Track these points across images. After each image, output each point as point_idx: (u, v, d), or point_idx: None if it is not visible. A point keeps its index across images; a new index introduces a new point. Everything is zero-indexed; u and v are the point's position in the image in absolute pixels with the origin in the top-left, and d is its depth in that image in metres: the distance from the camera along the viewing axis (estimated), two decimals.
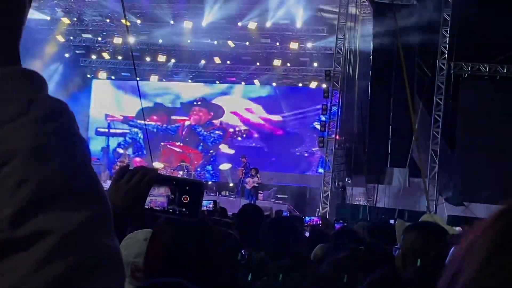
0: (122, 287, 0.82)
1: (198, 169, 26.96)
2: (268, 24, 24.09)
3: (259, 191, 23.26)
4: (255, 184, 21.89)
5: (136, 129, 28.68)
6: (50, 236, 0.76)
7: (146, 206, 1.72)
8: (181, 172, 23.83)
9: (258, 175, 22.22)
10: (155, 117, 28.51)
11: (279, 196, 23.88)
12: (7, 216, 0.76)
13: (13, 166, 0.78)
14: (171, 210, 1.72)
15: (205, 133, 28.37)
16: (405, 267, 3.05)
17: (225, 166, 27.46)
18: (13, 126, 0.79)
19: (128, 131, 28.81)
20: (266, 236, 4.20)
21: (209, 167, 27.97)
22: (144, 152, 27.88)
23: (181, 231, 2.14)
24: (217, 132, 28.36)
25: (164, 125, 28.54)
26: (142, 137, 28.54)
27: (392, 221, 10.76)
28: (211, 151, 28.10)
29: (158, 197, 1.73)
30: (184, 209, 1.72)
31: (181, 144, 28.44)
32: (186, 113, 28.72)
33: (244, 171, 23.54)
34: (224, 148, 28.09)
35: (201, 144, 28.32)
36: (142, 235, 2.26)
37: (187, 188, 1.72)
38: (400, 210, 17.76)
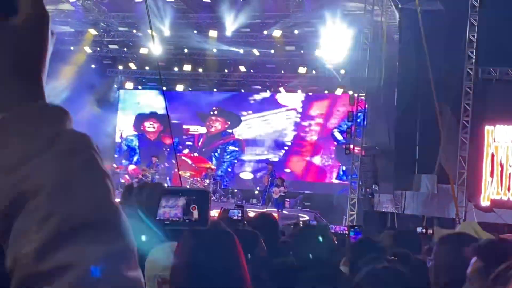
0: None
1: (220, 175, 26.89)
2: (292, 32, 24.08)
3: (286, 199, 23.24)
4: (282, 193, 21.90)
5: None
6: (73, 270, 0.78)
7: (158, 218, 1.74)
8: (207, 181, 23.88)
9: (284, 184, 22.22)
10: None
11: (305, 203, 23.78)
12: (32, 250, 0.78)
13: (38, 201, 0.80)
14: (181, 220, 1.74)
15: (220, 147, 28.28)
16: (438, 279, 3.01)
17: (246, 176, 27.40)
18: (38, 161, 0.81)
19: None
20: (295, 245, 4.18)
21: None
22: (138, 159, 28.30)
23: (205, 242, 2.15)
24: (231, 147, 28.23)
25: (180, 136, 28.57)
26: (137, 144, 28.72)
27: (419, 229, 10.66)
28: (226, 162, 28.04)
29: (169, 208, 1.75)
30: (193, 218, 1.74)
31: (197, 155, 28.41)
32: (203, 123, 28.74)
33: (269, 178, 23.55)
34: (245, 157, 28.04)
35: (216, 154, 28.24)
36: (169, 248, 2.27)
37: (193, 197, 1.74)
38: (429, 217, 17.59)
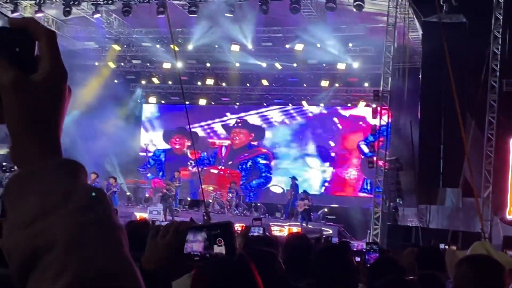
0: None
1: (243, 190, 26.82)
2: (315, 46, 24.10)
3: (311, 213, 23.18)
4: (306, 207, 21.85)
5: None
6: None
7: (185, 253, 1.76)
8: (230, 195, 23.89)
9: (309, 197, 22.17)
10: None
11: (329, 217, 23.66)
12: None
13: (54, 256, 0.83)
14: (209, 255, 1.76)
15: (250, 160, 28.25)
16: None
17: (277, 189, 27.30)
18: (53, 217, 0.85)
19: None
20: (314, 267, 4.15)
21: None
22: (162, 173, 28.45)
23: (221, 271, 2.15)
24: (262, 160, 28.18)
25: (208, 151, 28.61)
26: (164, 159, 28.90)
27: (442, 246, 10.55)
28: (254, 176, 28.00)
29: (195, 244, 1.77)
30: (221, 251, 1.76)
31: (222, 167, 28.42)
32: (228, 135, 28.78)
33: (292, 192, 23.53)
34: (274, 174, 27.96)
35: (245, 167, 28.21)
36: (188, 280, 2.27)
37: (218, 231, 1.76)
38: (454, 232, 17.41)
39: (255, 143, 28.49)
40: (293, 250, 4.93)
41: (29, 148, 0.91)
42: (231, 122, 28.78)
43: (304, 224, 21.54)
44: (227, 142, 28.81)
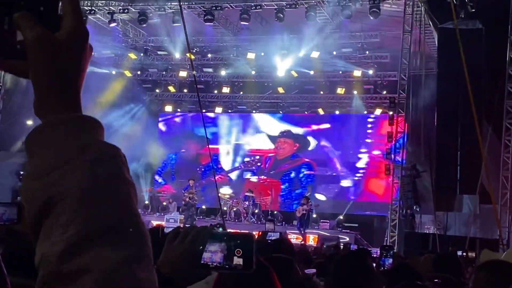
0: None
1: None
2: (331, 53, 24.11)
3: (324, 221, 23.06)
4: (304, 212, 21.67)
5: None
6: (91, 275, 0.85)
7: (202, 262, 1.74)
8: (246, 203, 23.89)
9: (309, 202, 22.03)
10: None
11: (346, 225, 23.58)
12: (56, 251, 0.87)
13: (65, 206, 0.89)
14: (226, 266, 1.74)
15: (293, 170, 28.12)
16: None
17: (320, 197, 26.90)
18: (68, 168, 0.90)
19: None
20: (336, 274, 4.14)
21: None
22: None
23: (242, 278, 2.15)
24: (306, 171, 28.03)
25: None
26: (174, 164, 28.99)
27: (459, 253, 10.45)
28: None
29: (213, 253, 1.76)
30: (238, 263, 1.74)
31: (264, 177, 28.34)
32: (272, 144, 28.67)
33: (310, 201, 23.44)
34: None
35: (286, 178, 28.05)
36: (205, 286, 2.27)
37: (238, 241, 1.75)
38: (471, 238, 17.28)
39: (299, 153, 28.25)
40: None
41: (50, 102, 0.96)
42: (276, 132, 28.62)
43: (302, 230, 21.36)
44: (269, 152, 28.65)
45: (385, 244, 20.28)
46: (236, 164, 28.60)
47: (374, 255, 9.78)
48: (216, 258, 1.76)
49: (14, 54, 0.96)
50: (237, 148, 28.76)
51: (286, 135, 28.44)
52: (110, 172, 0.92)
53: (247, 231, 1.90)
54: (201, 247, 1.75)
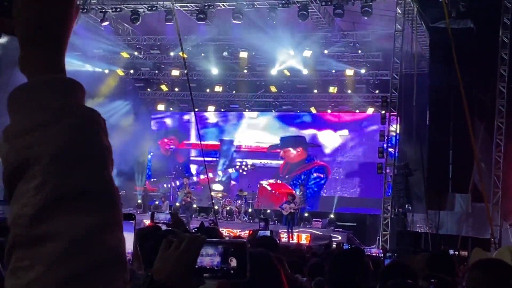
0: (125, 282, 0.91)
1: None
2: (324, 52, 24.13)
3: (316, 219, 23.08)
4: (292, 210, 21.67)
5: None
6: (59, 240, 0.86)
7: (197, 267, 1.75)
8: (239, 201, 23.88)
9: (295, 201, 22.01)
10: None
11: (338, 223, 23.60)
12: (27, 214, 0.87)
13: (37, 169, 0.88)
14: (219, 274, 1.75)
15: (305, 172, 27.90)
16: None
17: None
18: (43, 131, 0.89)
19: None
20: (332, 271, 4.15)
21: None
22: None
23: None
24: (316, 173, 27.72)
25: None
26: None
27: (452, 252, 10.51)
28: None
29: (205, 257, 1.76)
30: (232, 271, 1.75)
31: (280, 182, 28.16)
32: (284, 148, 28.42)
33: (301, 199, 23.38)
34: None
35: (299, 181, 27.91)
36: None
37: (231, 249, 1.75)
38: (464, 237, 17.37)
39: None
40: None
41: (35, 60, 0.96)
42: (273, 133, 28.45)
43: (290, 229, 21.31)
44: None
45: (377, 242, 20.36)
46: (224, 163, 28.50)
47: (368, 253, 9.82)
48: (210, 264, 1.76)
49: (1, 10, 0.97)
50: (227, 145, 28.72)
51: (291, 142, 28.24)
52: (87, 137, 0.92)
53: (241, 240, 1.90)
54: (195, 254, 1.75)
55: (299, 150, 28.02)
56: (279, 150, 28.14)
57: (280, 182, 27.93)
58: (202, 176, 27.13)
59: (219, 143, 28.70)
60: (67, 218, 0.86)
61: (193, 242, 1.77)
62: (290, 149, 28.06)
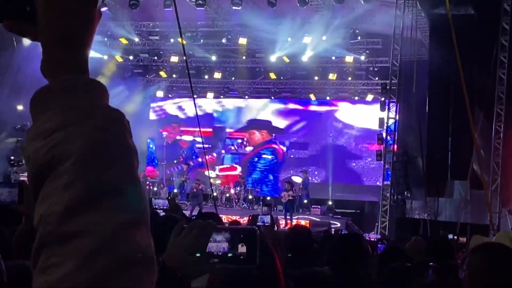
0: (153, 282, 0.91)
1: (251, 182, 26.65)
2: (323, 38, 24.05)
3: (315, 206, 23.10)
4: (290, 198, 21.68)
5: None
6: (88, 237, 0.86)
7: (207, 251, 1.75)
8: (238, 188, 23.89)
9: (294, 188, 22.02)
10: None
11: (337, 210, 23.63)
12: (56, 212, 0.87)
13: (67, 167, 0.89)
14: (228, 260, 1.74)
15: (257, 154, 28.18)
16: None
17: (297, 179, 26.88)
18: (72, 130, 0.91)
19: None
20: (332, 253, 4.14)
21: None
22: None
23: (235, 276, 2.13)
24: (266, 156, 28.04)
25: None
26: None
27: (451, 236, 10.53)
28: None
29: (214, 244, 1.76)
30: (242, 257, 1.74)
31: (226, 166, 28.38)
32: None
33: (301, 186, 23.36)
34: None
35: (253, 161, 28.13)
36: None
37: (241, 236, 1.75)
38: (462, 224, 17.39)
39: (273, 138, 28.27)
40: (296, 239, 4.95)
41: (58, 63, 0.97)
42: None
43: (289, 216, 21.36)
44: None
45: (376, 229, 20.39)
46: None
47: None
48: (219, 250, 1.77)
49: (23, 16, 0.98)
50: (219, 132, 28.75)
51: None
52: (114, 137, 0.93)
53: (251, 226, 1.90)
54: (205, 242, 1.75)
55: (263, 133, 28.15)
56: (244, 133, 28.29)
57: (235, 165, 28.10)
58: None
59: (211, 129, 28.68)
60: (96, 215, 0.87)
61: (204, 229, 1.77)
62: (256, 131, 28.17)
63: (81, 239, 0.86)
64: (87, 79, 0.97)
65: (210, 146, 27.93)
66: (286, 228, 19.75)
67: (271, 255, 2.22)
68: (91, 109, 0.93)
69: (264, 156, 28.06)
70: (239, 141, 28.57)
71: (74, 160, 0.89)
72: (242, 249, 1.74)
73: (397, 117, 21.42)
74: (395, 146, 21.24)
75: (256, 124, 28.40)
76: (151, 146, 29.33)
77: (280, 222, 20.60)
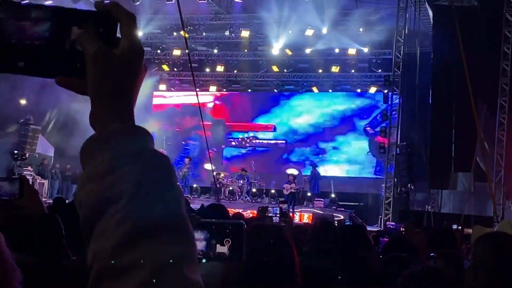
0: None
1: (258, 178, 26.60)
2: (325, 31, 24.01)
3: (318, 199, 23.07)
4: (292, 190, 21.68)
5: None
6: (142, 270, 0.91)
7: None
8: (241, 181, 23.87)
9: (296, 181, 22.02)
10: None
11: (340, 203, 23.61)
12: (109, 247, 0.93)
13: (120, 205, 0.95)
14: (212, 255, 1.71)
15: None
16: (476, 281, 2.96)
17: (292, 171, 26.92)
18: (123, 172, 0.97)
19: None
20: (336, 244, 4.13)
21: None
22: None
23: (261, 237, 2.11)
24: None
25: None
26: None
27: (454, 226, 10.50)
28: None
29: (200, 241, 1.72)
30: (226, 253, 1.71)
31: None
32: None
33: (311, 180, 23.35)
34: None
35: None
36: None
37: (227, 231, 1.72)
38: (466, 216, 17.37)
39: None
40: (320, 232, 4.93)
41: (106, 113, 1.03)
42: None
43: (291, 209, 21.33)
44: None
45: (379, 221, 20.36)
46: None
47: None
48: (202, 246, 1.72)
49: (74, 72, 1.04)
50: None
51: None
52: (162, 178, 0.99)
53: (238, 221, 1.86)
54: None
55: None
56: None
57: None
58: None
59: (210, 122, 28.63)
60: (148, 249, 0.92)
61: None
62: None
63: (134, 271, 0.91)
64: (133, 126, 1.04)
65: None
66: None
67: (291, 251, 2.19)
68: (139, 153, 1.00)
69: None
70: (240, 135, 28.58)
71: (125, 200, 0.95)
72: (222, 248, 1.71)
73: (400, 110, 21.36)
74: (399, 138, 21.21)
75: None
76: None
77: None
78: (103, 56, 1.03)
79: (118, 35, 1.07)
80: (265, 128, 28.37)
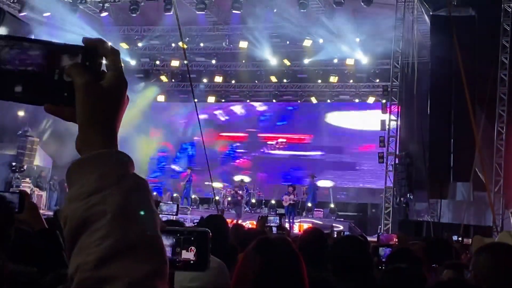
0: None
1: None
2: (322, 41, 24.06)
3: (317, 209, 23.03)
4: (291, 202, 21.64)
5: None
6: (120, 281, 1.01)
7: None
8: (240, 192, 23.83)
9: (295, 192, 21.98)
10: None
11: (340, 213, 23.59)
12: (92, 260, 1.03)
13: (103, 223, 1.05)
14: (177, 264, 1.71)
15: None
16: None
17: (326, 184, 26.61)
18: (106, 193, 1.07)
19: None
20: (334, 255, 4.11)
21: None
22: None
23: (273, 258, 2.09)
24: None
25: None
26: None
27: (455, 238, 10.47)
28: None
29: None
30: (191, 261, 1.71)
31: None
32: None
33: (306, 189, 23.32)
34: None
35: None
36: None
37: (191, 238, 1.72)
38: (465, 226, 17.34)
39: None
40: (310, 242, 4.89)
41: (92, 139, 1.13)
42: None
43: (291, 220, 21.29)
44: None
45: (379, 232, 20.33)
46: None
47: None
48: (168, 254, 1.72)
49: (62, 100, 1.14)
50: None
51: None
52: (141, 200, 1.10)
53: (203, 228, 1.86)
54: None
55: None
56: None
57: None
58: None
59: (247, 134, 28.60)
60: (127, 264, 1.03)
61: None
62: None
63: (114, 282, 1.01)
64: (117, 151, 1.14)
65: (246, 151, 28.09)
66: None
67: (299, 263, 2.16)
68: (121, 176, 1.09)
69: None
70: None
71: (107, 219, 1.05)
72: (188, 254, 1.70)
73: (399, 119, 21.38)
74: (397, 148, 21.21)
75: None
76: (188, 150, 29.13)
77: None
78: (92, 87, 1.13)
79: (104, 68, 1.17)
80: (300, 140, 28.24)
